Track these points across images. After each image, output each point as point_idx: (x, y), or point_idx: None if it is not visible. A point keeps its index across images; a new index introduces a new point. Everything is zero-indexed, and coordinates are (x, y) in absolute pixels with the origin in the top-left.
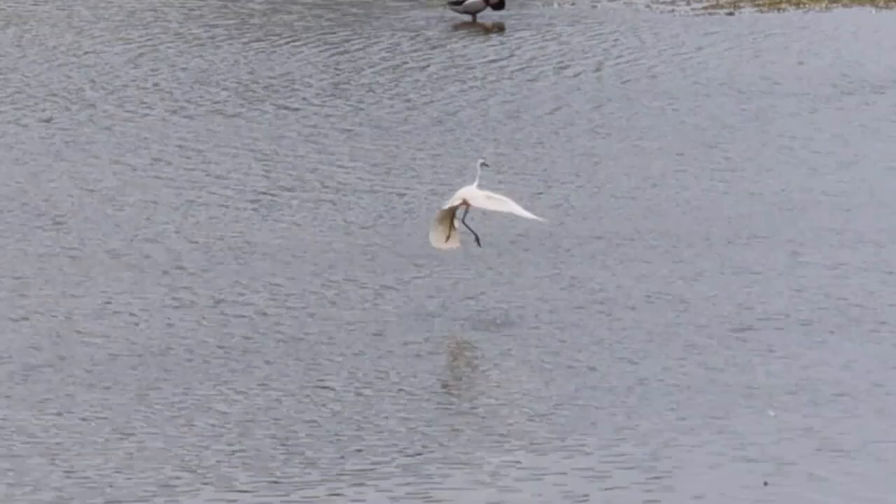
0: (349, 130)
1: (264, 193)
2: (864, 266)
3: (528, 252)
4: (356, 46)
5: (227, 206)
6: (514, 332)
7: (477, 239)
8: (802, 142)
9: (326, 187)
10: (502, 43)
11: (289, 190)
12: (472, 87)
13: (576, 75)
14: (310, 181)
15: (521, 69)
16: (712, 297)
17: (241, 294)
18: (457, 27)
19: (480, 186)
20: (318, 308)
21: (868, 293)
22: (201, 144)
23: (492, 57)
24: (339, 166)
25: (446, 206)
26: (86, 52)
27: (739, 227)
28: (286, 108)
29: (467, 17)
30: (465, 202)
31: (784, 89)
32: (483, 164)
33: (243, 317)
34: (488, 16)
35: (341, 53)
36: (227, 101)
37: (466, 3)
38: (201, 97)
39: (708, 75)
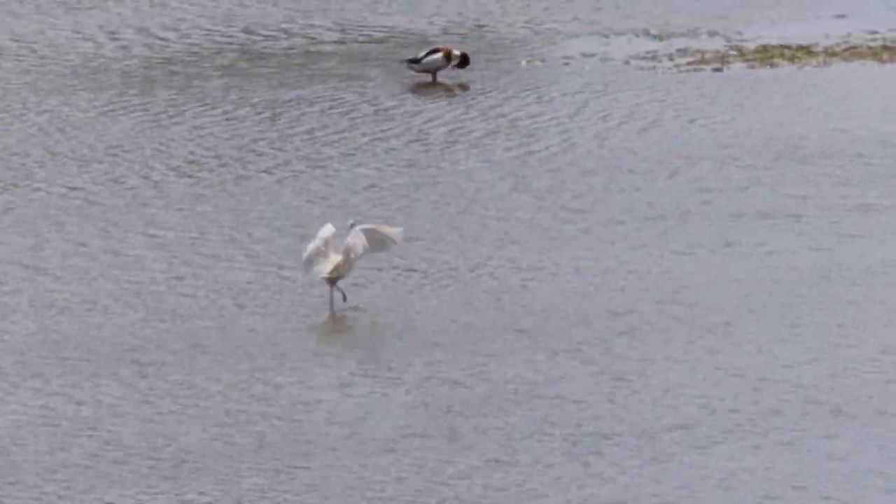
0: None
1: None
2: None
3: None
4: (300, 108)
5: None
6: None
7: (344, 296)
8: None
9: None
10: (466, 105)
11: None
12: (430, 154)
13: (542, 144)
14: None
15: (485, 135)
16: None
17: None
18: (414, 88)
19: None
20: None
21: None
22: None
23: (453, 122)
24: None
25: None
26: None
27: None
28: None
29: (427, 77)
30: (343, 263)
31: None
32: (353, 226)
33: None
34: (450, 75)
35: (279, 116)
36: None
37: (425, 60)
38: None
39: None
